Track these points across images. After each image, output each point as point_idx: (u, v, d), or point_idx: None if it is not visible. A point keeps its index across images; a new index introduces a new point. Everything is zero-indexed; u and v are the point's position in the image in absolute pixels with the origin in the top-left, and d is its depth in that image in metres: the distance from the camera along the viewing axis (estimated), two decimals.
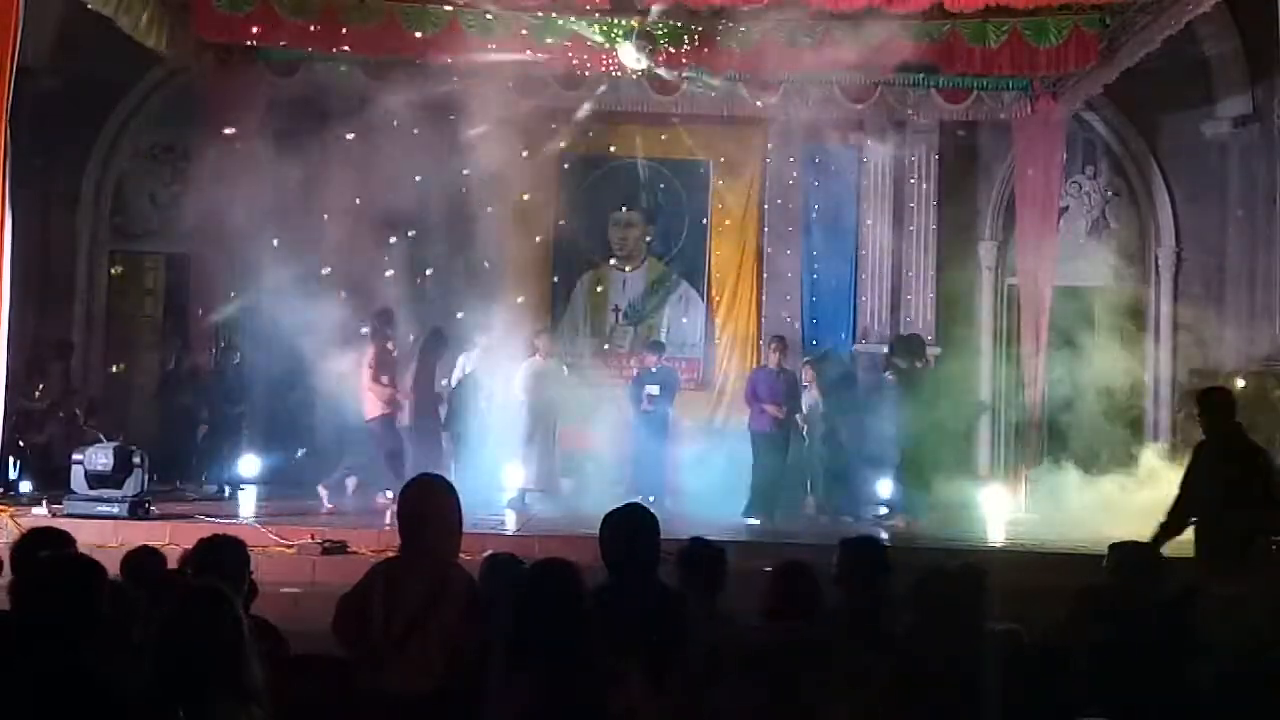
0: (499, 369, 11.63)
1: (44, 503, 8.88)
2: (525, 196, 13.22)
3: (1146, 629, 3.61)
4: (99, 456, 8.77)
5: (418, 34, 10.56)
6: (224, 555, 3.96)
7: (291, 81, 11.74)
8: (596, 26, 10.65)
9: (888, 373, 11.31)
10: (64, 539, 3.91)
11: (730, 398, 13.31)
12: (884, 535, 9.14)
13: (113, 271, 13.23)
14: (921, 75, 11.51)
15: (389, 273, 12.78)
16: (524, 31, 10.64)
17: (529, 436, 11.15)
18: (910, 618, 3.65)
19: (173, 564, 4.58)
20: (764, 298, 13.42)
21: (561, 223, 13.33)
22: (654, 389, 11.22)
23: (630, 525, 3.82)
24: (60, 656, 2.86)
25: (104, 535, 7.68)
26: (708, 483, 11.58)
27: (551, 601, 3.08)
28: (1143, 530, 5.99)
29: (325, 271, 12.52)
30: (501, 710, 3.04)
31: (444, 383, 11.33)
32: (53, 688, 2.77)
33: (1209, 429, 6.37)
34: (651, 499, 10.37)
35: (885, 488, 11.16)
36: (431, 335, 11.30)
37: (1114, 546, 4.39)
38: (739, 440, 12.36)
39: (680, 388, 11.99)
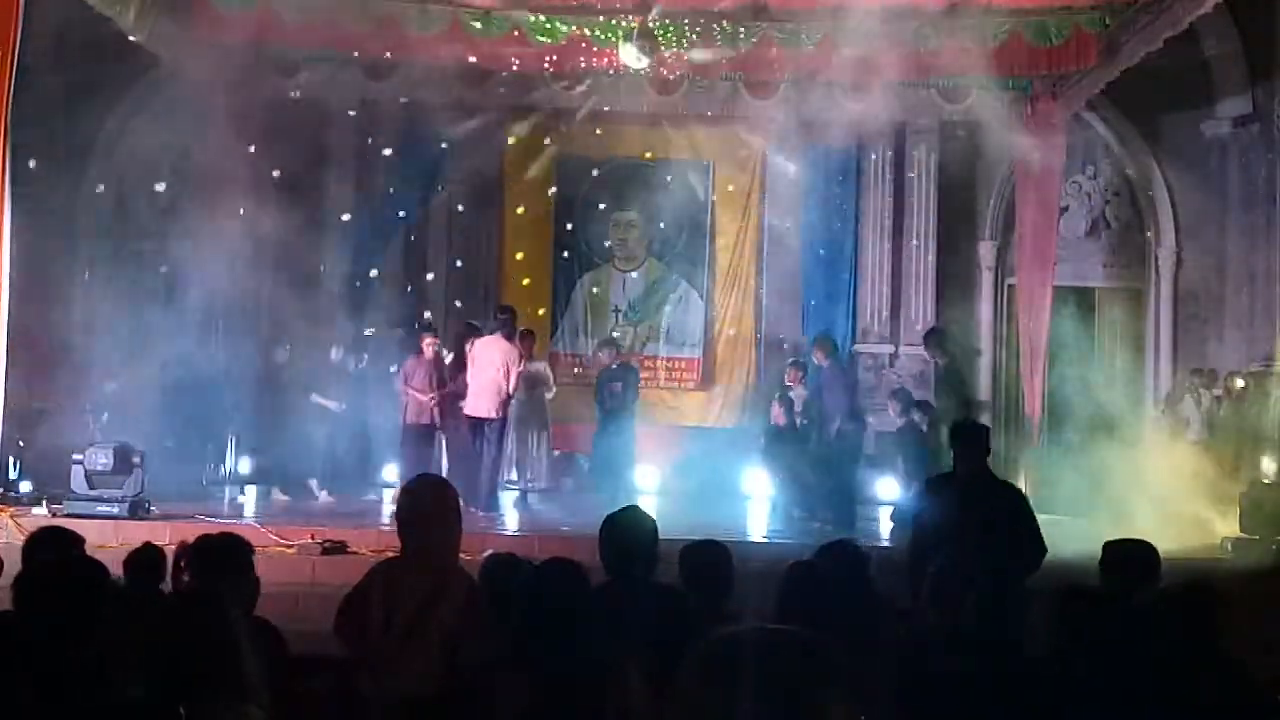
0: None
1: (44, 503, 8.88)
2: (524, 197, 13.26)
3: (1143, 628, 3.61)
4: (99, 456, 8.77)
5: (418, 34, 10.54)
6: (225, 555, 3.96)
7: (291, 81, 11.74)
8: (597, 27, 10.64)
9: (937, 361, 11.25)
10: (72, 539, 3.91)
11: (729, 397, 13.34)
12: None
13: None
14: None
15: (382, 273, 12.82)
16: (524, 31, 10.63)
17: (520, 437, 11.16)
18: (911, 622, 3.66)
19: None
20: (764, 298, 13.43)
21: (561, 223, 13.34)
22: (616, 386, 11.23)
23: (628, 527, 3.83)
24: (63, 656, 2.87)
25: (104, 535, 7.66)
26: (702, 484, 11.61)
27: (558, 601, 3.09)
28: (1142, 530, 5.98)
29: (322, 268, 12.56)
30: (502, 711, 3.04)
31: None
32: (55, 687, 2.77)
33: (967, 461, 5.79)
34: (642, 499, 10.39)
35: (886, 488, 11.15)
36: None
37: (1109, 545, 4.36)
38: (739, 440, 12.39)
39: (640, 383, 11.92)
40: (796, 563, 3.92)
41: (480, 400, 9.96)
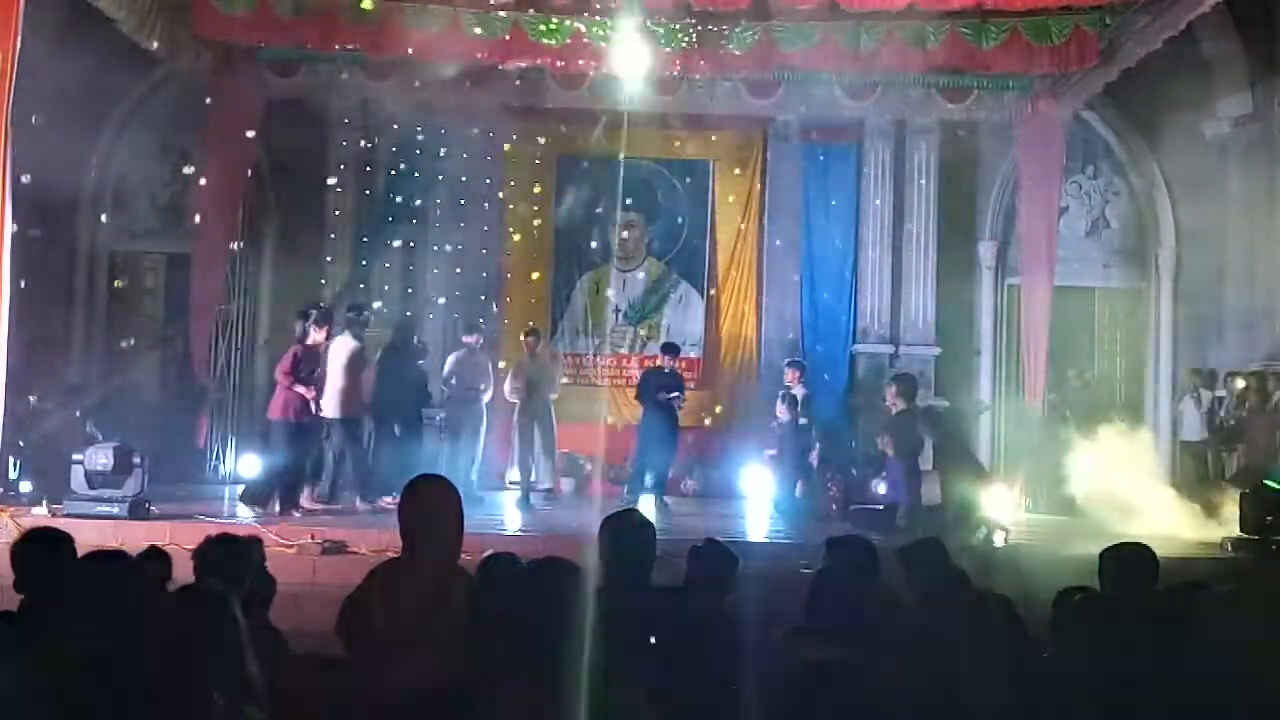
0: (501, 369, 11.66)
1: (44, 503, 8.88)
2: (525, 197, 13.26)
3: (1144, 632, 3.60)
4: (99, 456, 8.77)
5: (418, 34, 10.54)
6: (230, 554, 3.97)
7: (291, 82, 11.74)
8: (596, 26, 10.64)
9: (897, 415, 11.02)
10: (64, 538, 3.89)
11: (729, 397, 13.32)
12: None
13: (116, 283, 13.19)
14: (921, 75, 11.49)
15: (387, 271, 12.83)
16: (524, 31, 10.63)
17: (522, 436, 11.13)
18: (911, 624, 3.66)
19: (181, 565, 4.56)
20: (764, 298, 13.43)
21: (561, 223, 13.34)
22: (675, 397, 11.06)
23: (626, 530, 3.83)
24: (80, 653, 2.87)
25: (104, 535, 7.66)
26: (702, 483, 11.59)
27: (551, 601, 3.08)
28: (1142, 531, 5.98)
29: (324, 273, 12.55)
30: (501, 712, 3.04)
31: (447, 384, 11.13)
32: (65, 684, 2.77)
33: None
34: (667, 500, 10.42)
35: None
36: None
37: (1106, 552, 4.33)
38: (739, 439, 12.40)
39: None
40: (820, 571, 3.96)
41: (327, 399, 9.68)
